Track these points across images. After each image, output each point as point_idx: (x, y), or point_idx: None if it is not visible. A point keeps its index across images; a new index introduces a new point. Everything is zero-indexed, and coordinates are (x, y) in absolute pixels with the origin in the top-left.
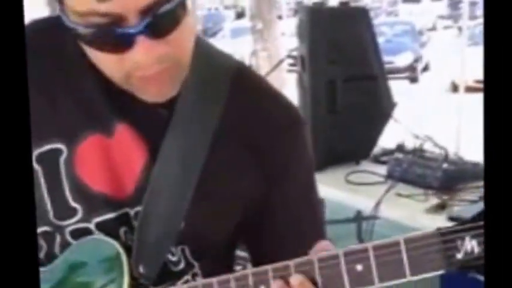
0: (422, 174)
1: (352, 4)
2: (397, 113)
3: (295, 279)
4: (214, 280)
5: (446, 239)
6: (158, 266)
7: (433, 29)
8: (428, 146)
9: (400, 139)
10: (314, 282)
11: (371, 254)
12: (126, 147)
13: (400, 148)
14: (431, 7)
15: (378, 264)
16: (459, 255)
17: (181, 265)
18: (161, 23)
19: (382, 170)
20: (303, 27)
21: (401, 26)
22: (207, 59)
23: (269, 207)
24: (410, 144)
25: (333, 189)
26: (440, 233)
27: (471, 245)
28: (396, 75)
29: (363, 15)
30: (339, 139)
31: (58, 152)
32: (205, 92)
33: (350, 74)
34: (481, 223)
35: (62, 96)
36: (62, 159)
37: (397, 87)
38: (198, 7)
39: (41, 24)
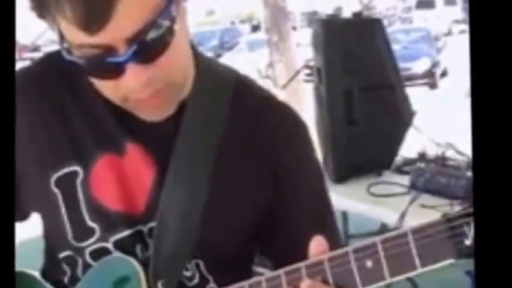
0: (446, 183)
1: (365, 14)
2: (417, 120)
3: (304, 284)
4: None
5: (454, 225)
6: (176, 281)
7: (449, 33)
8: (450, 154)
9: (422, 147)
10: (327, 282)
11: (379, 248)
12: (136, 165)
13: (422, 157)
14: (446, 12)
15: (387, 258)
16: (467, 242)
17: (196, 280)
18: (148, 49)
19: (405, 180)
20: (317, 39)
21: (416, 32)
22: (208, 72)
23: (280, 213)
24: (432, 152)
25: (356, 201)
26: (447, 219)
27: None
28: (415, 82)
29: (376, 25)
30: (359, 150)
31: (75, 174)
32: (208, 105)
33: (366, 84)
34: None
35: (75, 121)
36: (79, 180)
37: (417, 94)
38: (215, 22)
39: (54, 56)
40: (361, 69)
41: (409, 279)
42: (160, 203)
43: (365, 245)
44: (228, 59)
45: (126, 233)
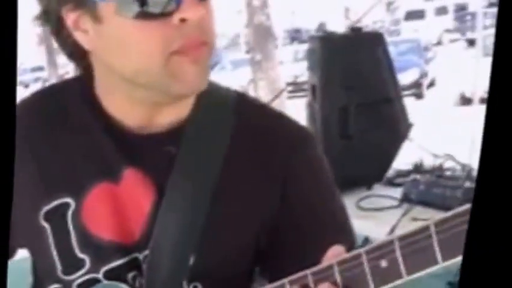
0: (441, 194)
1: (366, 29)
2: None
3: None
4: None
5: None
6: None
7: (439, 43)
8: (448, 164)
9: (416, 159)
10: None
11: (396, 246)
12: (133, 191)
13: (417, 168)
14: (437, 22)
15: (405, 255)
16: None
17: None
18: None
19: (396, 193)
20: (314, 57)
21: (406, 44)
22: (208, 92)
23: (291, 226)
24: (427, 163)
25: None
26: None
27: None
28: (402, 93)
29: (377, 39)
30: (351, 165)
31: (66, 206)
32: (210, 126)
33: (365, 99)
34: None
35: (68, 150)
36: (70, 212)
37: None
38: None
39: (48, 89)
40: (360, 84)
41: None
42: (154, 228)
43: (379, 244)
44: (212, 77)
45: (119, 262)
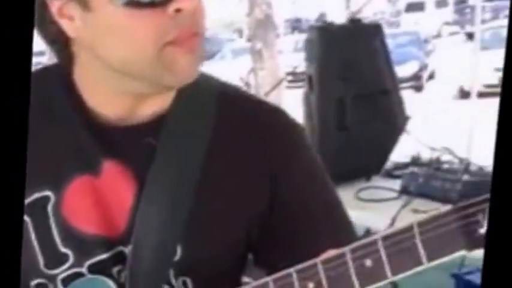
0: (440, 187)
1: (365, 21)
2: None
3: None
4: None
5: (466, 213)
6: None
7: (439, 36)
8: (445, 158)
9: (414, 151)
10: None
11: (380, 245)
12: (114, 184)
13: (415, 161)
14: (436, 14)
15: (389, 255)
16: (482, 230)
17: None
18: None
19: (395, 184)
20: (311, 47)
21: (405, 36)
22: (190, 83)
23: (282, 218)
24: (425, 156)
25: None
26: (458, 208)
27: None
28: (401, 86)
29: (375, 30)
30: (350, 156)
31: (46, 199)
32: (191, 117)
33: (362, 90)
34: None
35: (45, 142)
36: (50, 206)
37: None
38: None
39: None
40: (357, 76)
41: (391, 282)
42: (136, 220)
43: (364, 243)
44: (210, 67)
45: (104, 256)
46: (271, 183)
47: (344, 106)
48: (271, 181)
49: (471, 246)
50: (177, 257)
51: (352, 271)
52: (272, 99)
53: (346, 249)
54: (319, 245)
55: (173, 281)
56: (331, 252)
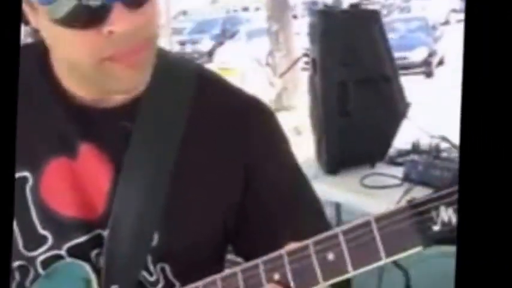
0: (439, 176)
1: (363, 6)
2: (413, 109)
3: None
4: None
5: (420, 210)
6: (132, 286)
7: (446, 23)
8: (443, 146)
9: (415, 138)
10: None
11: (341, 239)
12: (91, 167)
13: (415, 148)
14: (444, 1)
15: (350, 250)
16: (436, 227)
17: (160, 284)
18: None
19: (398, 172)
20: (314, 30)
21: (414, 21)
22: (166, 65)
23: (254, 208)
24: (425, 142)
25: (348, 193)
26: (413, 205)
27: (447, 214)
28: (411, 71)
29: (374, 17)
30: (353, 142)
31: (24, 180)
32: (167, 100)
33: (362, 76)
34: (456, 188)
35: (23, 123)
36: (28, 187)
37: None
38: (219, 10)
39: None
40: (358, 61)
41: (400, 267)
42: (113, 204)
43: (326, 236)
44: (229, 47)
45: (82, 239)
46: (246, 172)
47: (346, 91)
48: (246, 170)
49: (425, 243)
50: (154, 242)
51: (315, 264)
52: (287, 80)
53: (310, 241)
54: (295, 231)
55: (151, 267)
56: (295, 244)
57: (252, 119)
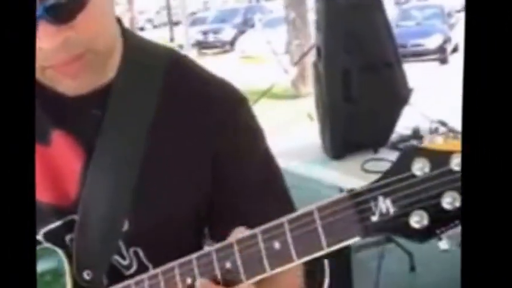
0: None
1: None
2: (426, 95)
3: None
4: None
5: (359, 201)
6: (104, 270)
7: (462, 10)
8: (443, 130)
9: (415, 124)
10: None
11: (286, 228)
12: (64, 154)
13: (416, 133)
14: None
15: (294, 239)
16: (374, 218)
17: (134, 268)
18: (62, 5)
19: None
20: (319, 17)
21: (430, 9)
22: (137, 51)
23: (223, 195)
24: (424, 128)
25: (350, 177)
26: (352, 195)
27: (385, 205)
28: (426, 58)
29: (377, 4)
30: (356, 128)
31: None
32: (138, 86)
33: (365, 63)
34: (394, 178)
35: None
36: None
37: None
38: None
39: None
40: (361, 48)
41: (404, 250)
42: (84, 190)
43: (273, 225)
44: (250, 36)
45: (57, 224)
46: (214, 157)
47: (350, 78)
48: (215, 155)
49: (364, 233)
50: (126, 227)
51: (263, 253)
52: (305, 67)
53: (257, 230)
54: (258, 220)
55: (124, 251)
56: (245, 233)
57: (222, 104)
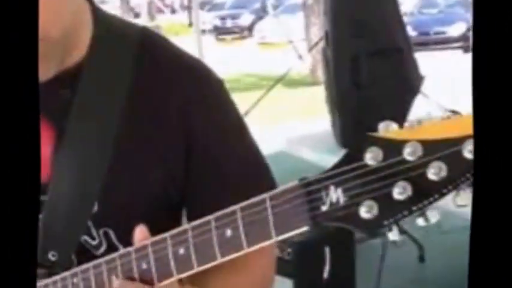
0: None
1: None
2: (448, 83)
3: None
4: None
5: (310, 190)
6: (70, 252)
7: None
8: None
9: (428, 113)
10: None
11: (238, 215)
12: None
13: None
14: None
15: (245, 226)
16: (324, 207)
17: (103, 248)
18: None
19: None
20: (328, 2)
21: None
22: (108, 30)
23: (197, 176)
24: (438, 117)
25: None
26: (303, 184)
27: (336, 194)
28: (449, 46)
29: None
30: (366, 114)
31: None
32: (109, 66)
33: (375, 48)
34: (346, 168)
35: None
36: None
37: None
38: None
39: None
40: (370, 33)
41: (415, 241)
42: (53, 171)
43: (226, 212)
44: (268, 22)
45: None
46: (186, 135)
47: (359, 64)
48: (187, 132)
49: (313, 223)
50: (95, 209)
51: (215, 240)
52: (316, 54)
53: (211, 217)
54: (234, 201)
55: (94, 231)
56: (198, 220)
57: (195, 83)
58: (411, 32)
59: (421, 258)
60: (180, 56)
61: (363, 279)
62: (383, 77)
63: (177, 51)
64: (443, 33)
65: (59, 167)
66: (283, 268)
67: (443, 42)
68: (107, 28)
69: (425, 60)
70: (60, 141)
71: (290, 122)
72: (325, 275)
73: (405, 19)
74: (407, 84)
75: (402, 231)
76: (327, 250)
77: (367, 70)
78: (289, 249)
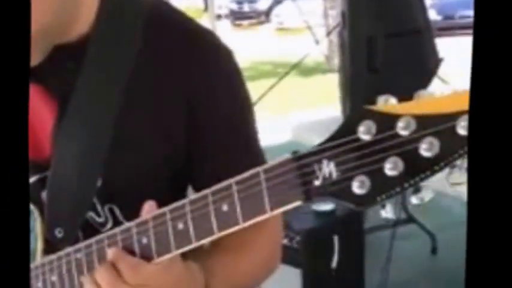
0: None
1: None
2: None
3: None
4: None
5: (303, 163)
6: (76, 228)
7: None
8: None
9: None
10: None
11: (234, 190)
12: (38, 108)
13: None
14: None
15: (241, 201)
16: (317, 182)
17: (109, 225)
18: None
19: None
20: None
21: None
22: (114, 5)
23: (198, 146)
24: None
25: None
26: (296, 157)
27: (329, 168)
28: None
29: None
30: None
31: None
32: (115, 36)
33: (392, 29)
34: (339, 141)
35: None
36: None
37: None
38: None
39: None
40: (388, 14)
41: (428, 232)
42: (56, 145)
43: (222, 186)
44: (286, 6)
45: (32, 180)
46: (190, 110)
47: (375, 46)
48: (190, 107)
49: (306, 198)
50: (99, 183)
51: (212, 214)
52: (335, 38)
53: (208, 191)
54: (241, 169)
55: (99, 208)
56: (196, 194)
57: (202, 53)
58: (435, 16)
59: (434, 250)
60: (191, 25)
61: (372, 270)
62: (398, 59)
63: (186, 23)
64: (468, 17)
65: (62, 140)
66: (291, 257)
67: (469, 27)
68: (114, 2)
69: (448, 46)
70: (63, 114)
71: (301, 111)
72: (334, 264)
73: (429, 1)
74: (423, 67)
75: (411, 220)
76: (336, 239)
77: (383, 51)
78: (297, 238)
